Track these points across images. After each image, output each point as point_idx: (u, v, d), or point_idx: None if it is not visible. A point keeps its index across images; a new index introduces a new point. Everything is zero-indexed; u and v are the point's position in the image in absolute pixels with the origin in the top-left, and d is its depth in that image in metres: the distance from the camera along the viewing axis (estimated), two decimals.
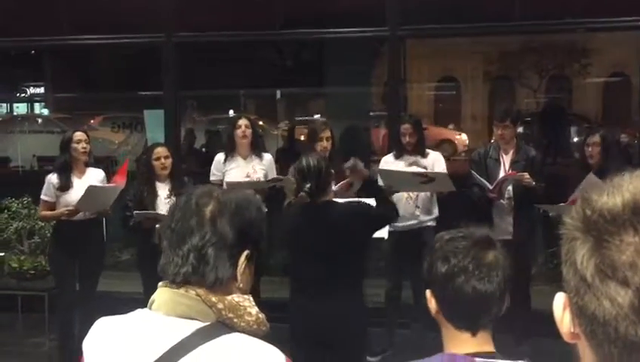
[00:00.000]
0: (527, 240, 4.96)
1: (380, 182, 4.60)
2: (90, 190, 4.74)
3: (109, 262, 5.29)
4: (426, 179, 4.79)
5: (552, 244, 5.67)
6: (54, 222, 5.17)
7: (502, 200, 4.90)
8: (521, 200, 4.87)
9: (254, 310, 1.34)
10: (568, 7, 6.21)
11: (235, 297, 1.33)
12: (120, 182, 4.99)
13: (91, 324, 1.39)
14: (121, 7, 6.63)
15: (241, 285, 1.37)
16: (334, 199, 3.59)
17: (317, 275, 3.38)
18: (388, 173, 4.81)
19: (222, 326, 1.30)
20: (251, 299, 1.36)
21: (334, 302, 3.33)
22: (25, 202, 6.52)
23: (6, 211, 6.56)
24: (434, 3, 6.22)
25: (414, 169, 4.97)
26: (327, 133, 5.02)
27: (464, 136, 14.34)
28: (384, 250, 5.20)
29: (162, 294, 1.36)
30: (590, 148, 4.86)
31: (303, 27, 6.67)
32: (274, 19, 6.68)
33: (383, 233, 4.45)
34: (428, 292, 1.63)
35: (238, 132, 5.14)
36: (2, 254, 6.03)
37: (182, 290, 1.33)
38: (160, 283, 1.38)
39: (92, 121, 11.72)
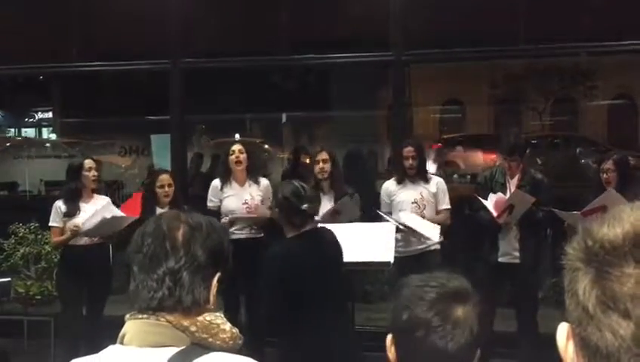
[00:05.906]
0: (533, 263, 4.92)
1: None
2: (104, 222, 4.77)
3: (116, 286, 5.27)
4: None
5: (560, 268, 5.61)
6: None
7: (509, 224, 4.87)
8: (527, 223, 4.84)
9: (228, 326, 1.34)
10: (573, 30, 6.24)
11: (207, 316, 1.33)
12: (134, 215, 5.00)
13: (98, 350, 1.37)
14: (127, 34, 6.72)
15: (212, 306, 1.37)
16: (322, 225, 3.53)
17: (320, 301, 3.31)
18: (412, 221, 4.83)
19: (197, 348, 1.29)
20: (222, 315, 1.36)
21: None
22: (32, 227, 6.54)
23: (13, 236, 6.58)
24: (438, 27, 6.27)
25: (424, 192, 4.99)
26: (324, 156, 5.00)
27: None
28: (389, 275, 5.17)
29: (132, 327, 1.32)
30: (606, 175, 4.79)
31: (308, 52, 6.73)
32: (279, 45, 6.75)
33: (389, 257, 4.43)
34: (388, 338, 1.47)
35: (232, 158, 5.11)
36: (9, 279, 6.03)
37: (152, 319, 1.31)
38: (127, 316, 1.35)
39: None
